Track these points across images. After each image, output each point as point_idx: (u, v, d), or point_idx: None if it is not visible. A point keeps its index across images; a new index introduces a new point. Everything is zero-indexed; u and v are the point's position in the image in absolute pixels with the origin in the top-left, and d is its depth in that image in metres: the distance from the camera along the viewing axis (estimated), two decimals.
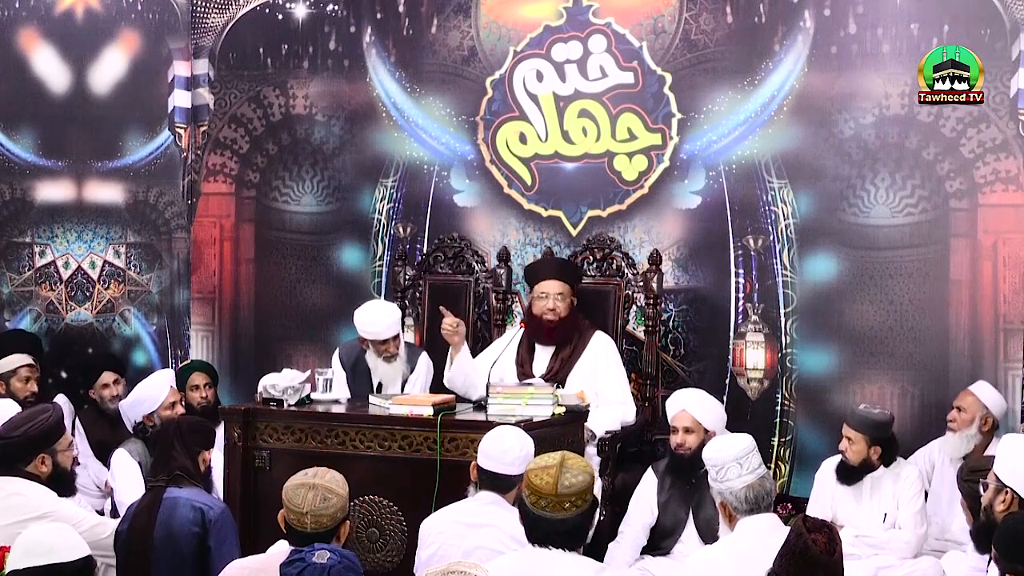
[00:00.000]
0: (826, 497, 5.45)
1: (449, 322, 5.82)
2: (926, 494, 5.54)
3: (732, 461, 4.09)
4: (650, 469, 5.54)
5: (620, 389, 5.94)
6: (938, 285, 6.24)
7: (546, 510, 3.64)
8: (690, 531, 5.35)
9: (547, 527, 3.64)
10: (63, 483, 4.57)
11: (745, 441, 4.20)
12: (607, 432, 5.72)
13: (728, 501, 4.08)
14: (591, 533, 3.75)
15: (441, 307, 5.99)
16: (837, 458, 5.47)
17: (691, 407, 5.42)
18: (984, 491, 4.14)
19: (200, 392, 6.31)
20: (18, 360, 6.63)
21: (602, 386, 5.88)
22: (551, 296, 5.95)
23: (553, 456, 3.73)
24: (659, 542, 5.42)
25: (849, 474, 5.39)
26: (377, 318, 5.99)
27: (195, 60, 7.64)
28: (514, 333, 5.99)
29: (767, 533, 3.95)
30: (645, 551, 5.44)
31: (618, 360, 5.99)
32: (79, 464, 5.36)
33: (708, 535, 5.06)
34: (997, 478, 3.99)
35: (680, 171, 6.69)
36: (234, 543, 4.37)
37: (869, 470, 5.36)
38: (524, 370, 5.91)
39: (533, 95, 6.90)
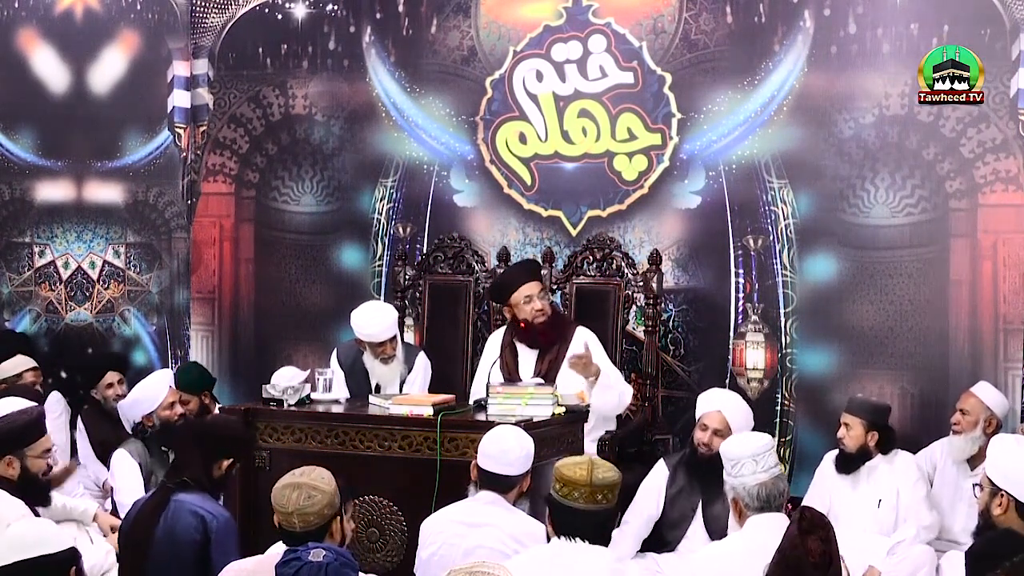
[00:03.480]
0: (824, 488, 5.50)
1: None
2: None
3: (748, 457, 4.11)
4: (662, 461, 5.51)
5: (612, 373, 5.79)
6: (938, 285, 6.24)
7: (578, 501, 3.71)
8: (696, 527, 5.34)
9: (578, 519, 3.71)
10: (33, 490, 4.42)
11: (764, 440, 4.23)
12: (607, 432, 5.71)
13: (740, 497, 4.10)
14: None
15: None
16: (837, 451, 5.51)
17: (728, 411, 5.35)
18: (979, 493, 4.14)
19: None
20: (22, 364, 6.60)
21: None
22: (535, 297, 5.85)
23: (582, 456, 3.85)
24: (665, 535, 5.41)
25: (847, 462, 5.44)
26: (373, 320, 5.96)
27: (195, 60, 7.65)
28: (496, 338, 5.97)
29: (775, 532, 3.96)
30: (651, 546, 5.44)
31: (601, 349, 5.88)
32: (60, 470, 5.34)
33: (715, 532, 5.06)
34: (991, 481, 3.99)
35: (680, 171, 6.68)
36: (235, 553, 4.33)
37: (866, 458, 5.40)
38: (511, 375, 5.83)
39: (533, 95, 6.90)
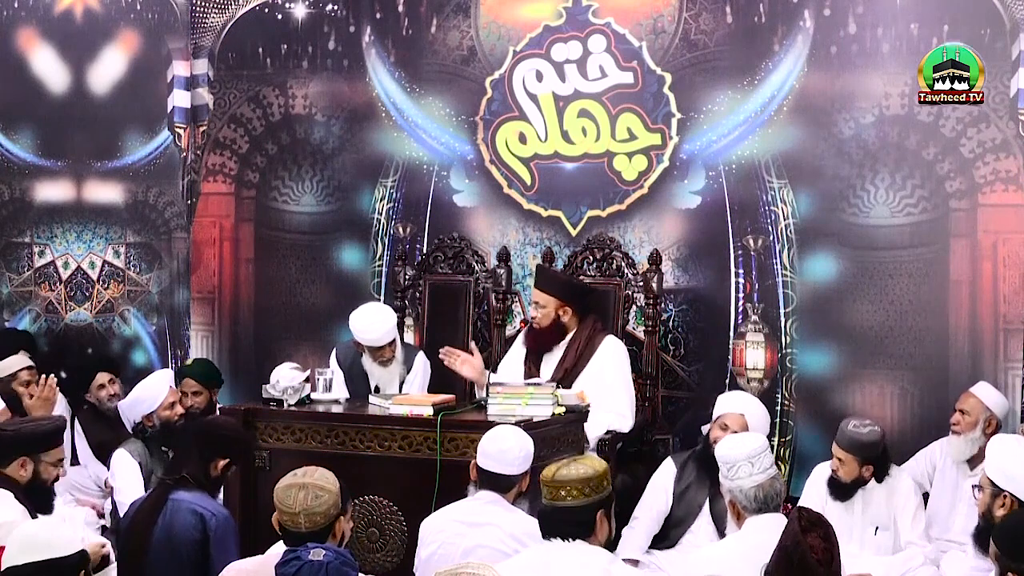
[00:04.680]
0: (817, 506, 5.40)
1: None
2: (925, 497, 5.53)
3: (744, 460, 4.12)
4: (669, 459, 5.60)
5: (618, 398, 5.79)
6: (938, 285, 6.24)
7: (546, 498, 3.75)
8: (702, 522, 5.38)
9: (548, 516, 3.74)
10: (40, 496, 4.41)
11: (758, 441, 4.23)
12: (607, 432, 5.71)
13: (737, 499, 4.11)
14: (602, 530, 3.77)
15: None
16: (828, 467, 5.42)
17: (750, 416, 5.41)
18: (979, 494, 4.14)
19: (188, 399, 6.22)
20: (17, 363, 6.56)
21: (604, 392, 5.73)
22: (533, 304, 6.00)
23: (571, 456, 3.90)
24: (668, 531, 5.44)
25: (841, 491, 5.31)
26: (373, 325, 5.97)
27: (194, 60, 7.64)
28: (522, 336, 6.05)
29: (774, 532, 3.95)
30: (654, 543, 5.46)
31: (622, 368, 5.87)
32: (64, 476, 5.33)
33: (723, 526, 5.09)
34: (992, 482, 3.99)
35: (680, 171, 6.68)
36: (235, 551, 4.34)
37: (861, 485, 5.31)
38: (531, 373, 5.89)
39: (533, 95, 6.90)
